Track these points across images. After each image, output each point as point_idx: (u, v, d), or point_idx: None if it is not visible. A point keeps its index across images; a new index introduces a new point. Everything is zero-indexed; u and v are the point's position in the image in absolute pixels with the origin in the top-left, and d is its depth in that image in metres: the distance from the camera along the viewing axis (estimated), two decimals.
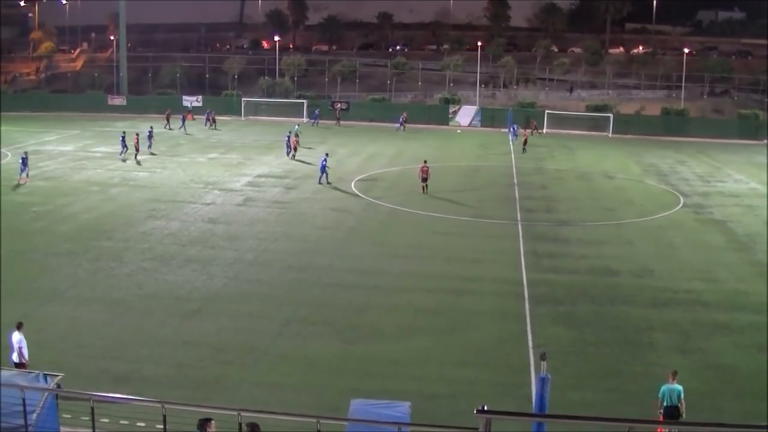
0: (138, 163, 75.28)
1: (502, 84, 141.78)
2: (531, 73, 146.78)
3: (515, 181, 71.36)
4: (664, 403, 26.30)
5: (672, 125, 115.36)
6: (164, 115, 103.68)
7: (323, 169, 66.78)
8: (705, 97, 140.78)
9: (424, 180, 62.66)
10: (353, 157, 79.45)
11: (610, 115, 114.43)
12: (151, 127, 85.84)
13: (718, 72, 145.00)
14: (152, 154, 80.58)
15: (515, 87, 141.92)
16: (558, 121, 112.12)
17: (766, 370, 33.35)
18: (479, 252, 48.84)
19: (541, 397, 22.04)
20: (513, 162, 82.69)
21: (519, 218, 57.26)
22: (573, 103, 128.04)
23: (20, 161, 64.13)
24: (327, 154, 68.54)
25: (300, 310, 37.40)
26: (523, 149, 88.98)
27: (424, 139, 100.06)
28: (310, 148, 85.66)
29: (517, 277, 43.64)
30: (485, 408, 15.38)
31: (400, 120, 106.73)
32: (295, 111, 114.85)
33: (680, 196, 68.65)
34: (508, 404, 23.06)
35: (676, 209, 63.50)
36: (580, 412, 18.43)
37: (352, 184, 67.36)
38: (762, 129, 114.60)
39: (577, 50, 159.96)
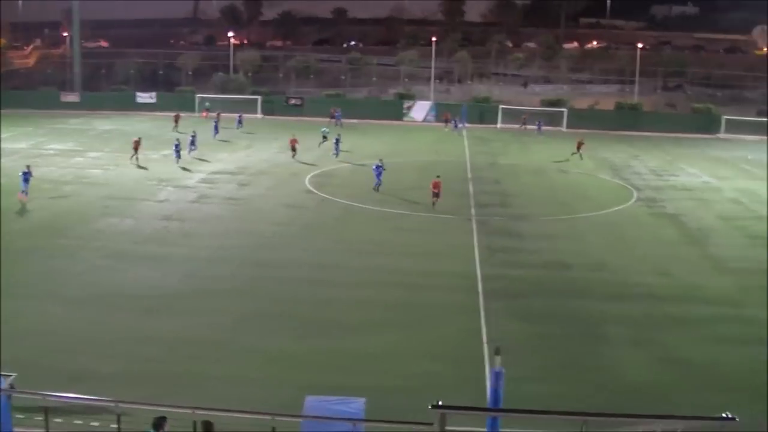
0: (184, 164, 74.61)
1: (456, 79, 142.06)
2: (485, 68, 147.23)
3: (469, 176, 71.54)
4: None
5: (626, 120, 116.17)
6: (172, 116, 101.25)
7: (378, 174, 63.93)
8: (658, 91, 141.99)
9: (436, 195, 58.73)
10: (306, 153, 79.18)
11: (565, 109, 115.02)
12: (194, 132, 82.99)
13: (671, 66, 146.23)
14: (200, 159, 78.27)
15: (470, 82, 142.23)
16: (512, 116, 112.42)
17: (720, 362, 33.80)
18: (434, 247, 48.90)
19: (495, 391, 22.07)
20: (467, 157, 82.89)
21: (473, 213, 57.40)
22: (527, 98, 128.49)
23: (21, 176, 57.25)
24: (381, 160, 66.09)
25: (257, 306, 37.23)
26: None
27: (378, 134, 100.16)
28: (241, 147, 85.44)
29: (471, 272, 43.69)
30: (440, 403, 15.43)
31: (335, 114, 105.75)
32: (249, 107, 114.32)
33: (633, 190, 69.14)
34: (463, 399, 23.07)
35: (630, 203, 63.94)
36: (535, 406, 18.54)
37: (306, 180, 67.23)
38: (715, 123, 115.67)
39: (532, 45, 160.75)
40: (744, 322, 38.82)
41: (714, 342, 36.08)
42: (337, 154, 78.83)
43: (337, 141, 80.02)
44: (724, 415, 16.10)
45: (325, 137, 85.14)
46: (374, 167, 63.45)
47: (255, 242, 48.36)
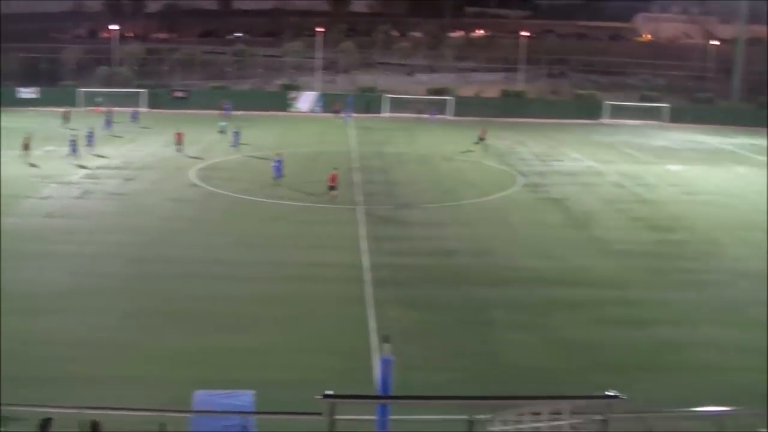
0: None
1: (342, 69, 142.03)
2: (371, 57, 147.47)
3: (356, 165, 71.47)
4: None
5: (511, 107, 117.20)
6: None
7: (278, 168, 63.40)
8: (543, 78, 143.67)
9: (333, 188, 57.62)
10: (193, 146, 78.37)
11: (450, 97, 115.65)
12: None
13: (555, 54, 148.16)
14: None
15: (355, 72, 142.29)
16: (399, 105, 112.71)
17: (605, 343, 34.39)
18: (322, 238, 48.80)
19: (384, 379, 22.12)
20: (353, 147, 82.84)
21: (360, 202, 57.39)
22: (413, 87, 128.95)
23: None
24: (279, 154, 65.91)
25: (143, 303, 36.65)
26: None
27: (265, 126, 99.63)
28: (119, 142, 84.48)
29: (358, 262, 43.67)
30: (329, 392, 15.38)
31: (225, 107, 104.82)
32: (134, 100, 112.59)
33: (519, 175, 69.89)
34: (353, 388, 22.90)
35: (515, 189, 64.63)
36: (424, 393, 18.63)
37: (192, 173, 66.53)
38: (597, 109, 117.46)
39: (418, 35, 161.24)
40: (628, 304, 39.57)
41: (599, 324, 36.75)
42: (236, 147, 77.95)
43: (236, 134, 79.30)
44: (610, 393, 16.30)
45: (222, 131, 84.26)
46: (274, 162, 62.75)
47: (140, 238, 47.58)
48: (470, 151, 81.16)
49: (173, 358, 30.99)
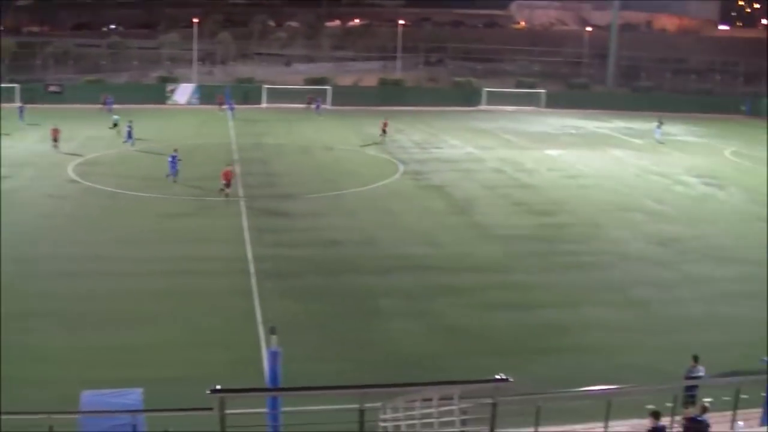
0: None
1: (219, 60, 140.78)
2: (248, 48, 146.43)
3: (236, 157, 70.66)
4: None
5: (389, 95, 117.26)
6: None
7: (174, 165, 60.86)
8: (420, 66, 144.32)
9: (227, 185, 55.94)
10: (70, 142, 76.62)
11: (329, 87, 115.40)
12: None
13: (432, 42, 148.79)
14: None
15: (233, 63, 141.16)
16: (277, 96, 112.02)
17: (490, 327, 34.68)
18: (204, 231, 48.21)
19: (273, 372, 21.92)
20: (233, 139, 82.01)
21: (241, 194, 56.82)
22: (291, 77, 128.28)
23: None
24: (176, 150, 62.90)
25: (22, 303, 35.49)
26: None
27: (143, 119, 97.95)
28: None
29: (242, 254, 43.30)
30: (218, 387, 15.13)
31: (106, 101, 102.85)
32: (8, 96, 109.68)
33: (399, 163, 70.02)
34: (242, 381, 22.78)
35: (396, 177, 64.75)
36: (314, 383, 18.48)
37: (70, 169, 65.10)
38: (475, 95, 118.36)
39: (294, 24, 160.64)
40: (511, 288, 40.07)
41: (484, 308, 37.09)
42: (132, 142, 75.38)
43: (130, 128, 76.70)
44: (498, 376, 16.34)
45: (116, 124, 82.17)
46: (170, 158, 61.11)
47: (16, 237, 46.20)
48: (376, 143, 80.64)
49: (59, 359, 30.30)
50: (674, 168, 73.77)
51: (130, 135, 75.22)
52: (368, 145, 78.27)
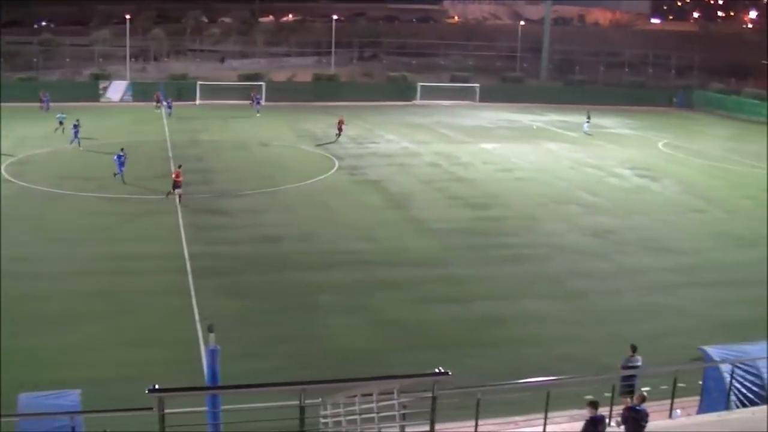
0: None
1: (152, 57, 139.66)
2: (182, 44, 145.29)
3: (170, 155, 70.00)
4: None
5: (324, 91, 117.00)
6: None
7: (121, 164, 59.39)
8: (355, 61, 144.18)
9: (178, 186, 53.86)
10: (4, 141, 75.35)
11: (263, 83, 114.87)
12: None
13: (366, 37, 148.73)
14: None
15: (166, 59, 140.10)
16: (211, 92, 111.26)
17: (429, 321, 34.79)
18: (139, 230, 47.72)
19: (212, 370, 21.80)
20: (167, 136, 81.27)
21: (176, 192, 56.34)
22: (225, 73, 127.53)
23: None
24: (123, 149, 61.37)
25: None
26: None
27: (77, 117, 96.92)
28: None
29: (179, 252, 42.99)
30: (157, 387, 15.02)
31: (44, 99, 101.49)
32: None
33: (335, 159, 69.86)
34: (181, 380, 22.65)
35: (332, 172, 64.62)
36: (254, 381, 18.35)
37: (2, 168, 64.07)
38: (410, 90, 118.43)
39: (228, 20, 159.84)
40: (449, 281, 40.19)
41: (422, 302, 37.21)
42: (77, 142, 73.21)
43: (76, 127, 74.77)
44: (437, 370, 16.39)
45: (61, 122, 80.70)
46: (115, 156, 59.99)
47: None
48: (332, 142, 79.78)
49: None
50: (608, 160, 74.44)
51: (76, 134, 73.82)
52: (323, 144, 77.47)
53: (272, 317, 34.90)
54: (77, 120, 75.05)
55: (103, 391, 24.31)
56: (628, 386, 24.30)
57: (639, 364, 26.26)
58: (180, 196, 53.18)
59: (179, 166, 55.67)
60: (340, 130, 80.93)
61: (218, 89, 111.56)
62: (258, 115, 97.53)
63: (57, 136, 76.19)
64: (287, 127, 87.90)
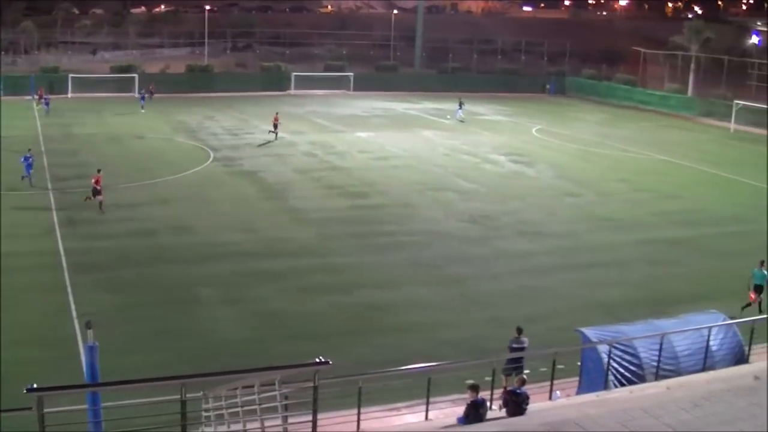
0: None
1: (23, 50, 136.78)
2: (53, 37, 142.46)
3: (43, 149, 68.41)
4: (754, 282, 35.92)
5: (198, 82, 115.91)
6: None
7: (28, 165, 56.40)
8: (228, 52, 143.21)
9: (98, 192, 50.59)
10: None
11: (136, 75, 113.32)
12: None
13: (240, 27, 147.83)
14: None
15: (37, 52, 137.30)
16: (83, 85, 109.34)
17: (309, 311, 34.81)
18: (11, 226, 46.28)
19: (91, 367, 21.51)
20: (39, 130, 79.58)
21: (50, 187, 55.27)
22: (98, 66, 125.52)
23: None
24: (30, 150, 58.51)
25: None
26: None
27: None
28: None
29: (54, 248, 42.15)
30: (35, 386, 14.71)
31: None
32: None
33: (210, 150, 69.30)
34: (61, 378, 22.25)
35: (207, 164, 64.11)
36: (134, 376, 18.12)
37: None
38: (284, 80, 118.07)
39: (99, 11, 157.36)
40: (329, 271, 40.30)
41: (303, 292, 37.25)
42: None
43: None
44: (317, 359, 16.38)
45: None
46: (23, 158, 57.67)
47: None
48: (270, 142, 77.97)
49: None
50: (483, 147, 75.29)
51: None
52: (262, 145, 76.04)
53: (151, 311, 34.49)
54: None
55: None
56: (515, 368, 24.66)
57: (525, 345, 26.66)
58: (101, 204, 50.10)
59: (99, 171, 52.17)
60: (275, 127, 78.21)
61: (91, 82, 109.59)
62: (142, 111, 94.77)
63: None
64: (162, 119, 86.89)
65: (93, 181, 50.83)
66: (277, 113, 79.54)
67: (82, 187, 54.93)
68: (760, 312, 34.35)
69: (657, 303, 36.34)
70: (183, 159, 65.74)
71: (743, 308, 35.03)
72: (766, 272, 36.27)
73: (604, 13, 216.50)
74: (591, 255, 44.22)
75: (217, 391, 18.92)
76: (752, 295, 35.92)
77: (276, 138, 76.21)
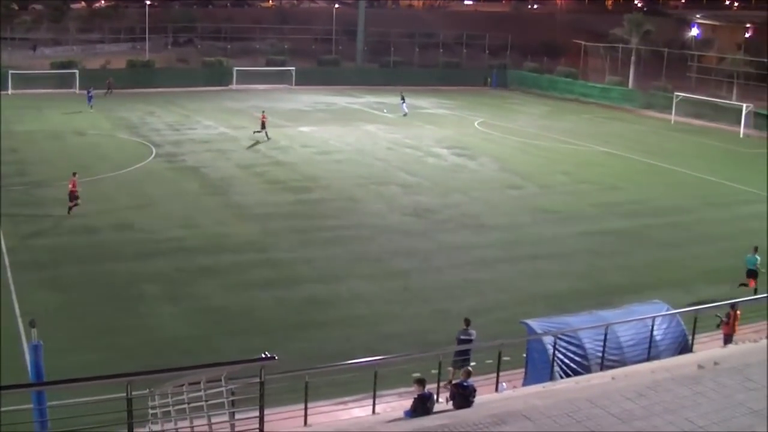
0: None
1: None
2: None
3: None
4: (747, 267, 37.59)
5: (139, 77, 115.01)
6: None
7: None
8: (169, 47, 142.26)
9: (76, 196, 48.55)
10: None
11: (76, 71, 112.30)
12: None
13: (181, 22, 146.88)
14: None
15: None
16: (23, 82, 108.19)
17: (254, 307, 34.80)
18: None
19: (36, 366, 21.40)
20: None
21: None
22: (38, 62, 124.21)
23: None
24: None
25: None
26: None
27: None
28: None
29: None
30: None
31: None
32: None
33: (152, 146, 68.86)
34: (5, 378, 22.12)
35: (150, 160, 63.71)
36: (79, 375, 18.04)
37: None
38: (226, 75, 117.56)
39: (39, 7, 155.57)
40: (272, 266, 40.40)
41: (246, 288, 37.29)
42: None
43: None
44: (263, 355, 16.44)
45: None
46: None
47: None
48: (258, 142, 76.61)
49: None
50: (426, 140, 75.52)
51: None
52: (253, 145, 75.09)
53: (95, 309, 34.31)
54: None
55: None
56: (463, 361, 24.84)
57: (473, 337, 26.85)
58: (70, 209, 47.99)
59: (74, 174, 49.93)
60: (263, 125, 75.65)
61: (31, 78, 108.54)
62: (91, 110, 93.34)
63: None
64: (102, 115, 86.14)
65: (70, 184, 48.64)
66: (263, 111, 78.03)
67: (22, 183, 54.60)
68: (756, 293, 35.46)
69: (601, 294, 36.80)
70: (125, 155, 65.23)
71: (739, 286, 37.38)
72: (758, 257, 37.70)
73: (541, 6, 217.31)
74: (534, 247, 44.60)
75: (163, 389, 18.89)
76: (752, 282, 37.47)
77: (267, 138, 74.28)
